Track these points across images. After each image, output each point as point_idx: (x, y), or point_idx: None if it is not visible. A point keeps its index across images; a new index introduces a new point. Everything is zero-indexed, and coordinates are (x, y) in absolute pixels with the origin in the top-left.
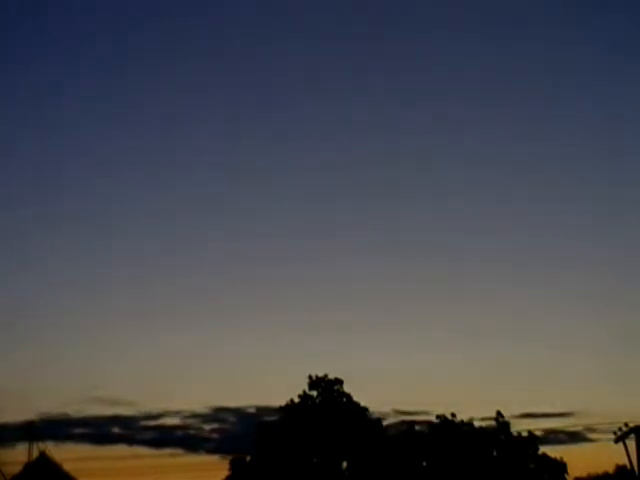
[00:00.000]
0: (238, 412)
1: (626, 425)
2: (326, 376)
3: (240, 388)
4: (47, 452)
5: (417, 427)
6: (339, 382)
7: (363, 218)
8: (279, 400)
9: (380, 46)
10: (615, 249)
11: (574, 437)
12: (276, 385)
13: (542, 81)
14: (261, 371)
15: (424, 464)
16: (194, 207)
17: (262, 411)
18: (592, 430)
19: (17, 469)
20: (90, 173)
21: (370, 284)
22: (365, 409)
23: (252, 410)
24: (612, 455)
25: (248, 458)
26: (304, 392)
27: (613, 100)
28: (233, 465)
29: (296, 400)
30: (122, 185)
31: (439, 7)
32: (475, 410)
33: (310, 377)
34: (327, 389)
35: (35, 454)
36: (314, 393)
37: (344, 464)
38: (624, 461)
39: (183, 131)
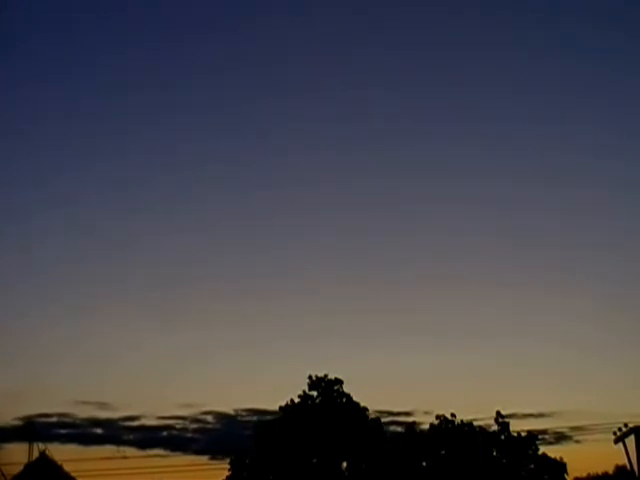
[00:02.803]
0: (220, 415)
1: (626, 425)
2: (326, 376)
3: (226, 391)
4: (47, 452)
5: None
6: (339, 382)
7: (362, 222)
8: (260, 402)
9: None
10: (613, 248)
11: (573, 437)
12: (262, 388)
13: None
14: (244, 374)
15: (424, 464)
16: (189, 206)
17: (241, 413)
18: (591, 430)
19: (17, 469)
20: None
21: (370, 285)
22: (365, 409)
23: (232, 412)
24: (612, 455)
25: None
26: (304, 392)
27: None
28: (233, 465)
29: (296, 400)
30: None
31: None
32: (472, 410)
33: (310, 377)
34: (327, 389)
35: (35, 454)
36: (314, 393)
37: (344, 464)
38: (624, 461)
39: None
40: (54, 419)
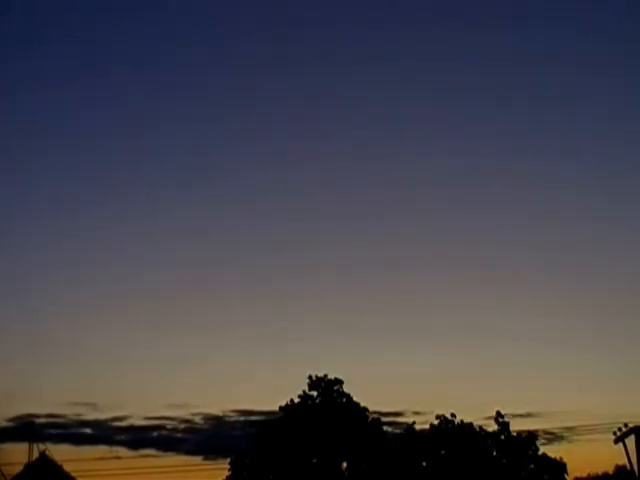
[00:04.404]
0: (212, 416)
1: (626, 425)
2: (326, 376)
3: (221, 392)
4: (47, 452)
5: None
6: (339, 382)
7: (362, 224)
8: (259, 403)
9: None
10: (613, 248)
11: (572, 437)
12: (261, 388)
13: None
14: (243, 374)
15: (424, 464)
16: (188, 207)
17: (229, 414)
18: (591, 430)
19: (17, 469)
20: None
21: (370, 285)
22: (365, 409)
23: (223, 414)
24: (612, 455)
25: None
26: (304, 392)
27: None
28: (233, 465)
29: (296, 400)
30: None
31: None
32: (472, 410)
33: (310, 377)
34: (327, 389)
35: (35, 454)
36: (314, 393)
37: (344, 464)
38: (624, 461)
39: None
40: (43, 420)
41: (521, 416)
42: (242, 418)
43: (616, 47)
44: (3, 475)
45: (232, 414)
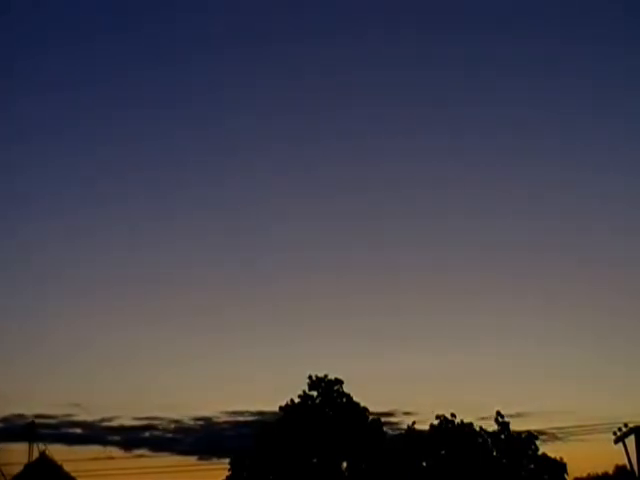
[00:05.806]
0: (204, 417)
1: (626, 425)
2: (326, 376)
3: (207, 393)
4: (47, 452)
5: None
6: (339, 382)
7: (362, 225)
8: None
9: None
10: (613, 249)
11: (572, 437)
12: (262, 389)
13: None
14: (243, 375)
15: (424, 464)
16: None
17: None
18: (590, 430)
19: (17, 469)
20: None
21: (370, 285)
22: (365, 409)
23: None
24: (612, 455)
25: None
26: (304, 392)
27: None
28: (233, 465)
29: (296, 400)
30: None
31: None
32: (471, 410)
33: (310, 377)
34: (327, 389)
35: (35, 454)
36: (314, 393)
37: (344, 464)
38: (624, 461)
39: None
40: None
41: (520, 416)
42: (248, 418)
43: (616, 48)
44: (3, 475)
45: (231, 415)
